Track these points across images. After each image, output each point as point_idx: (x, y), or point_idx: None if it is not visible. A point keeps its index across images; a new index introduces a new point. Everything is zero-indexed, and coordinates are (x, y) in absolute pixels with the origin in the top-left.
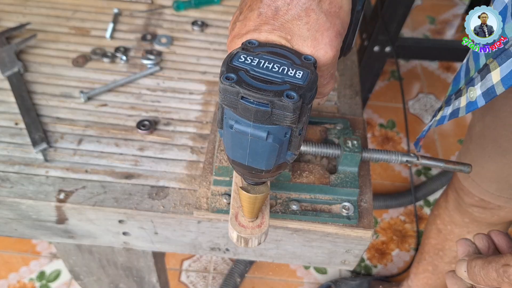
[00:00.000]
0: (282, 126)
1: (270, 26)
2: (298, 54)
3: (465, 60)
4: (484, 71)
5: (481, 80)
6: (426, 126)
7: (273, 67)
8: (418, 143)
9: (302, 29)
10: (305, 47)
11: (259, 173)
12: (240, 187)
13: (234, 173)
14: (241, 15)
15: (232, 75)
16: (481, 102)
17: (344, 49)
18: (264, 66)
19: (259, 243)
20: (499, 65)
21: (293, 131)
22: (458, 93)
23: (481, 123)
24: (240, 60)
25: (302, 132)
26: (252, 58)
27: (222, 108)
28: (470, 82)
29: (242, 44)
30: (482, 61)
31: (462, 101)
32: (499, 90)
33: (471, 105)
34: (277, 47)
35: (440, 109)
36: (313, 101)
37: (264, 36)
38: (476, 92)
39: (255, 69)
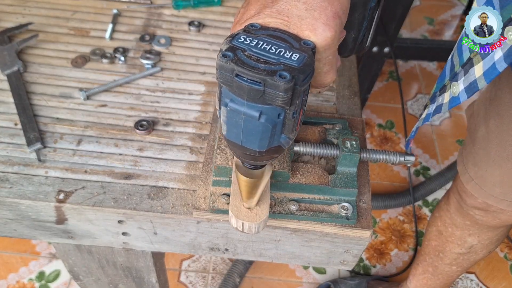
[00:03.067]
0: (275, 106)
1: (269, 9)
2: (297, 38)
3: (450, 56)
4: (468, 65)
5: (464, 74)
6: (413, 127)
7: (270, 48)
8: (408, 144)
9: (301, 8)
10: (304, 26)
11: (253, 154)
12: (237, 170)
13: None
14: (245, 2)
15: (229, 53)
16: (463, 97)
17: (357, 46)
18: (262, 47)
19: (257, 231)
20: (482, 59)
21: (287, 113)
22: (442, 89)
23: (485, 127)
24: (239, 40)
25: (296, 116)
26: (251, 39)
27: (220, 86)
28: (454, 77)
29: (245, 26)
30: (466, 55)
31: (446, 97)
32: (481, 84)
33: (453, 100)
34: (278, 31)
35: (425, 107)
36: (308, 85)
37: (263, 18)
38: (459, 87)
39: (252, 49)
